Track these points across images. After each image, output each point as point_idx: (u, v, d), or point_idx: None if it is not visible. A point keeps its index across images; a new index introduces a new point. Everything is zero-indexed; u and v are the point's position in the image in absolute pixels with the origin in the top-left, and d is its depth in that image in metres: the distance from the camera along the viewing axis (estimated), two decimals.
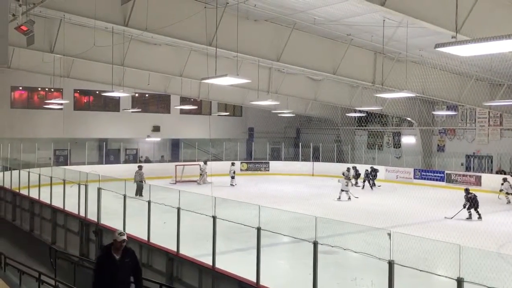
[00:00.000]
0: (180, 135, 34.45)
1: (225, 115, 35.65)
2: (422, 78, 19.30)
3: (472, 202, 16.90)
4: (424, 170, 28.86)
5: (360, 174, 26.96)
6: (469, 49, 7.18)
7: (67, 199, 14.72)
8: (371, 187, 25.82)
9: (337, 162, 32.27)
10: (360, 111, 30.24)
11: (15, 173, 19.78)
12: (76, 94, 31.42)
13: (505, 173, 25.14)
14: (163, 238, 10.61)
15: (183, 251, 9.83)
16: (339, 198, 21.33)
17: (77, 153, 28.89)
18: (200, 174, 27.58)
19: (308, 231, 7.38)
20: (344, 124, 35.56)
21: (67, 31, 15.59)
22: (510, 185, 20.89)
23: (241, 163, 33.07)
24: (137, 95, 30.51)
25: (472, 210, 16.89)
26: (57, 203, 15.15)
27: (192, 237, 11.14)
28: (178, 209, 9.93)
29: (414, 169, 29.03)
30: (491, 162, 28.30)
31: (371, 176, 26.10)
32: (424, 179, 27.98)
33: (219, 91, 27.02)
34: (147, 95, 33.29)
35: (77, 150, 28.85)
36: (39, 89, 30.10)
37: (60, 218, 14.92)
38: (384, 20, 13.23)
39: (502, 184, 21.03)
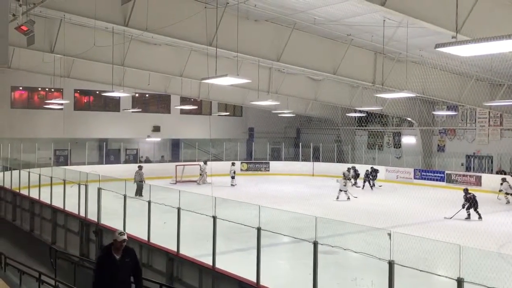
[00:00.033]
0: (180, 135, 34.46)
1: (225, 115, 35.66)
2: (422, 78, 19.30)
3: (471, 202, 16.91)
4: (424, 170, 28.86)
5: (359, 174, 26.96)
6: (469, 49, 7.18)
7: (67, 199, 14.72)
8: (371, 187, 25.82)
9: (337, 162, 32.27)
10: (360, 111, 30.25)
11: (15, 173, 19.79)
12: (76, 94, 31.43)
13: (505, 173, 25.14)
14: (163, 238, 10.60)
15: (183, 251, 9.83)
16: (338, 198, 21.34)
17: (77, 153, 28.90)
18: (200, 174, 27.59)
19: (308, 231, 7.38)
20: (344, 124, 35.56)
21: (67, 31, 15.60)
22: (509, 185, 20.91)
23: (241, 163, 33.08)
24: (137, 95, 30.53)
25: (472, 210, 16.89)
26: (57, 203, 15.15)
27: (192, 237, 11.14)
28: (178, 209, 9.93)
29: (414, 169, 29.04)
30: (491, 162, 28.30)
31: (371, 176, 26.10)
32: (424, 179, 27.98)
33: (219, 91, 27.03)
34: (147, 95, 33.30)
35: (77, 150, 28.86)
36: (39, 89, 30.11)
37: (60, 218, 14.92)
38: (384, 20, 13.23)
39: (501, 184, 21.04)
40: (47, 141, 27.91)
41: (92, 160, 29.18)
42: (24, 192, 17.98)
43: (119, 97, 29.07)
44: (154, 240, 10.70)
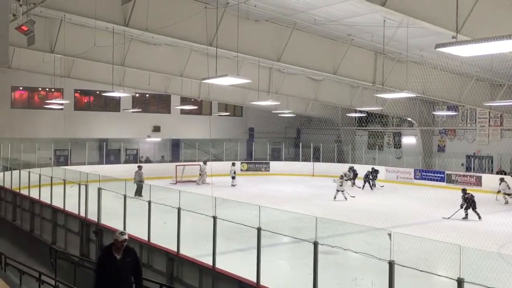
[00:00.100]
0: (181, 135, 34.47)
1: (225, 115, 35.66)
2: (423, 78, 19.30)
3: (469, 203, 16.93)
4: (425, 171, 28.86)
5: (357, 174, 26.98)
6: (469, 49, 7.18)
7: (67, 199, 14.72)
8: (370, 187, 25.81)
9: (337, 162, 32.27)
10: (360, 111, 30.25)
11: (15, 173, 19.79)
12: (77, 94, 31.43)
13: (505, 174, 25.14)
14: (164, 238, 10.60)
15: (184, 251, 9.83)
16: (335, 198, 21.37)
17: (78, 153, 28.91)
18: (200, 174, 27.59)
19: (309, 232, 7.38)
20: (345, 124, 35.56)
21: (68, 31, 15.60)
22: (507, 185, 20.92)
23: (242, 163, 33.08)
24: (137, 95, 30.53)
25: (470, 211, 16.90)
26: (57, 203, 15.15)
27: (192, 237, 11.14)
28: (179, 209, 9.93)
29: (414, 170, 29.03)
30: (492, 162, 28.30)
31: (372, 176, 26.09)
32: (425, 179, 27.98)
33: (220, 91, 27.03)
34: (147, 95, 33.30)
35: (78, 150, 28.87)
36: (40, 89, 30.12)
37: (60, 218, 14.92)
38: (384, 21, 13.23)
39: (500, 184, 21.06)
40: (47, 141, 27.92)
41: (92, 160, 29.19)
42: (24, 192, 17.99)
43: (119, 97, 29.07)
44: (154, 240, 10.70)
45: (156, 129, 33.46)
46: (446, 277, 6.06)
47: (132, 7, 12.02)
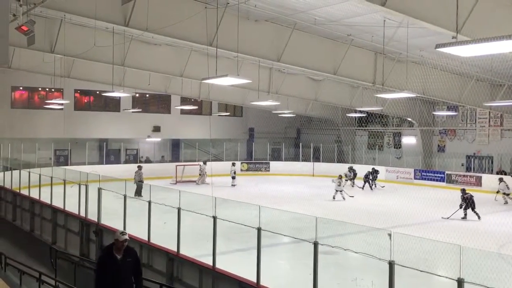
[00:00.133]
0: (181, 135, 34.47)
1: (225, 116, 35.66)
2: (423, 78, 19.30)
3: (468, 203, 16.94)
4: (425, 171, 28.86)
5: (356, 174, 26.99)
6: (469, 49, 7.18)
7: (67, 199, 14.72)
8: (370, 187, 25.81)
9: (337, 162, 32.26)
10: (360, 112, 30.25)
11: (15, 173, 19.79)
12: (77, 94, 31.43)
13: (505, 174, 25.14)
14: (164, 238, 10.60)
15: (184, 251, 9.83)
16: (334, 198, 21.37)
17: (78, 153, 28.92)
18: (200, 174, 27.59)
19: (309, 232, 7.38)
20: (345, 125, 35.57)
21: (68, 31, 15.60)
22: (506, 185, 20.93)
23: (242, 163, 33.09)
24: (137, 95, 30.54)
25: (469, 211, 16.93)
26: (57, 203, 15.15)
27: (192, 237, 11.14)
28: (179, 209, 9.93)
29: (414, 170, 29.04)
30: (492, 162, 28.30)
31: (372, 177, 26.08)
32: (425, 179, 27.98)
33: (220, 91, 27.03)
34: (147, 95, 33.30)
35: (78, 150, 28.88)
36: (40, 89, 30.12)
37: (60, 218, 14.92)
38: (384, 21, 13.23)
39: (499, 184, 21.08)
40: (47, 141, 27.92)
41: (92, 160, 29.19)
42: (24, 192, 17.99)
43: (119, 97, 29.07)
44: (154, 240, 10.70)
45: (156, 129, 33.46)
46: (446, 277, 6.06)
47: (132, 7, 12.02)
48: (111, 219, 12.39)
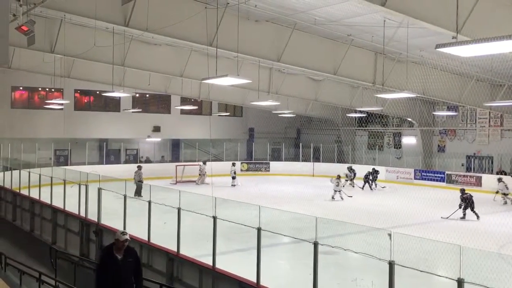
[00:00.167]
0: (181, 136, 34.47)
1: (225, 116, 35.66)
2: (423, 78, 19.30)
3: (467, 203, 16.97)
4: (425, 171, 28.86)
5: (355, 174, 26.99)
6: (469, 49, 7.18)
7: (67, 199, 14.72)
8: (370, 187, 25.81)
9: (337, 162, 32.26)
10: (360, 112, 30.25)
11: (15, 173, 19.79)
12: (77, 94, 31.44)
13: (505, 174, 25.14)
14: (164, 238, 10.60)
15: (184, 251, 9.83)
16: (333, 198, 21.38)
17: (78, 153, 28.92)
18: (199, 174, 27.59)
19: (309, 232, 7.38)
20: (345, 125, 35.56)
21: (68, 31, 15.60)
22: (505, 185, 20.93)
23: (242, 163, 33.08)
24: (137, 95, 30.54)
25: (468, 211, 16.95)
26: (57, 203, 15.15)
27: (192, 237, 11.14)
28: (179, 209, 9.93)
29: (414, 170, 29.03)
30: (492, 162, 28.30)
31: (372, 177, 26.07)
32: (425, 179, 27.97)
33: (220, 92, 27.03)
34: (147, 95, 33.30)
35: (78, 150, 28.88)
36: (40, 89, 30.12)
37: (60, 218, 14.92)
38: (384, 21, 13.23)
39: (498, 184, 21.08)
40: (47, 141, 27.92)
41: (92, 160, 29.19)
42: (24, 192, 17.99)
43: (119, 97, 29.07)
44: (154, 240, 10.70)
45: (156, 129, 33.46)
46: (446, 277, 6.06)
47: (132, 7, 12.02)
48: (111, 219, 12.39)
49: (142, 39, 17.55)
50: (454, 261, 5.74)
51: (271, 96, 23.10)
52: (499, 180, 21.29)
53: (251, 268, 8.07)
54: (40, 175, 17.35)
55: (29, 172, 18.21)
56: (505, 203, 20.65)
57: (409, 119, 31.30)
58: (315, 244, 7.20)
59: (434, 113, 29.86)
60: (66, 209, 14.56)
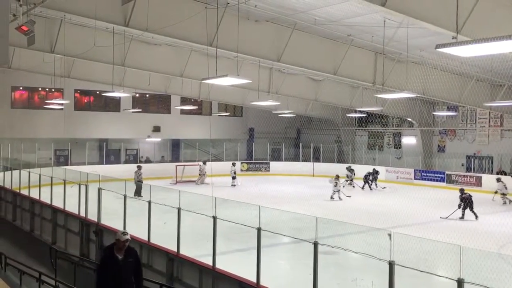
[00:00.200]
0: (181, 136, 34.47)
1: (225, 116, 35.67)
2: (423, 78, 19.30)
3: (466, 202, 16.99)
4: (425, 171, 28.86)
5: (355, 173, 26.98)
6: (469, 49, 7.18)
7: (67, 199, 14.72)
8: (370, 188, 25.80)
9: (337, 162, 32.26)
10: (360, 112, 30.24)
11: (15, 173, 19.79)
12: (77, 94, 31.44)
13: (505, 174, 25.14)
14: (164, 239, 10.60)
15: (184, 251, 9.83)
16: (332, 198, 21.42)
17: (78, 153, 28.92)
18: (199, 175, 27.60)
19: (309, 232, 7.38)
20: (345, 125, 35.56)
21: (68, 31, 15.60)
22: (504, 185, 20.93)
23: (242, 163, 33.08)
24: (137, 95, 30.54)
25: (467, 210, 16.97)
26: (57, 203, 15.15)
27: (192, 237, 11.14)
28: (179, 209, 9.93)
29: (414, 170, 29.03)
30: (492, 162, 28.30)
31: (372, 177, 26.05)
32: (425, 179, 27.97)
33: (220, 92, 27.03)
34: (147, 95, 33.30)
35: (78, 150, 28.88)
36: (40, 89, 30.12)
37: (60, 218, 14.92)
38: (384, 21, 13.23)
39: (497, 184, 21.09)
40: (47, 141, 27.92)
41: (92, 160, 29.19)
42: (24, 192, 17.99)
43: (119, 97, 29.07)
44: (154, 240, 10.70)
45: (156, 129, 33.46)
46: (446, 277, 6.06)
47: (132, 7, 12.02)
48: (111, 219, 12.39)
49: (142, 39, 17.55)
50: (454, 261, 5.74)
51: (271, 96, 23.10)
52: (498, 180, 21.32)
53: (251, 268, 8.07)
54: (40, 175, 17.35)
55: (29, 172, 18.21)
56: (505, 203, 20.65)
57: (409, 119, 31.30)
58: (315, 244, 7.20)
59: (434, 113, 29.86)
60: (66, 209, 14.56)
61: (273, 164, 34.01)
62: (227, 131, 35.84)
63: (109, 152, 31.64)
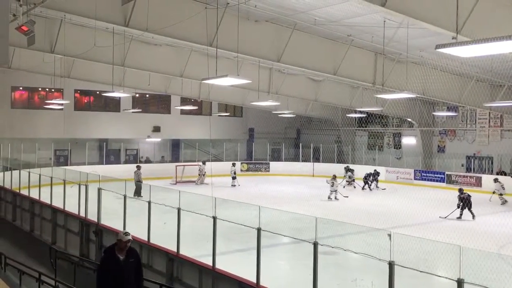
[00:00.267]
0: (181, 136, 34.47)
1: (225, 116, 35.67)
2: (423, 79, 19.30)
3: (465, 202, 17.01)
4: (425, 171, 28.86)
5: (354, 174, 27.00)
6: (469, 50, 7.18)
7: (67, 199, 14.72)
8: (369, 188, 25.79)
9: (337, 163, 32.26)
10: (360, 112, 30.24)
11: (15, 173, 19.79)
12: (77, 94, 31.44)
13: (505, 174, 25.14)
14: (163, 239, 10.60)
15: (183, 251, 9.83)
16: (329, 198, 21.44)
17: (78, 153, 28.92)
18: (199, 175, 27.60)
19: (308, 232, 7.38)
20: (345, 125, 35.56)
21: (68, 31, 15.60)
22: (501, 185, 20.94)
23: (242, 163, 33.07)
24: (137, 95, 30.53)
25: (465, 210, 16.99)
26: (57, 203, 15.15)
27: (192, 237, 11.14)
28: (179, 209, 9.93)
29: (414, 170, 29.03)
30: (492, 163, 28.30)
31: (372, 178, 26.04)
32: (425, 180, 27.97)
33: (220, 92, 27.03)
34: (147, 96, 33.30)
35: (78, 150, 28.88)
36: (40, 89, 30.12)
37: (60, 218, 14.92)
38: (384, 21, 13.23)
39: (494, 184, 21.10)
40: (47, 141, 27.92)
41: (92, 160, 29.19)
42: (24, 192, 17.98)
43: (119, 97, 29.08)
44: (154, 240, 10.70)
45: (156, 129, 33.47)
46: (446, 277, 6.06)
47: (132, 7, 12.02)
48: (111, 219, 12.39)
49: (142, 39, 17.54)
50: (454, 261, 5.74)
51: (271, 96, 23.09)
52: (495, 180, 21.34)
53: (251, 268, 8.07)
54: (40, 175, 17.35)
55: (29, 172, 18.20)
56: (504, 203, 20.65)
57: (409, 120, 31.30)
58: (315, 245, 7.20)
59: (434, 113, 29.86)
60: (66, 209, 14.56)
61: (273, 164, 34.02)
62: (227, 131, 35.84)
63: (109, 152, 31.64)
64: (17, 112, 29.06)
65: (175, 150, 35.06)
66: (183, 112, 34.01)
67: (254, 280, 7.99)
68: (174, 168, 27.89)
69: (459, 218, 16.94)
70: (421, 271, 6.30)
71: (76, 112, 30.84)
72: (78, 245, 13.38)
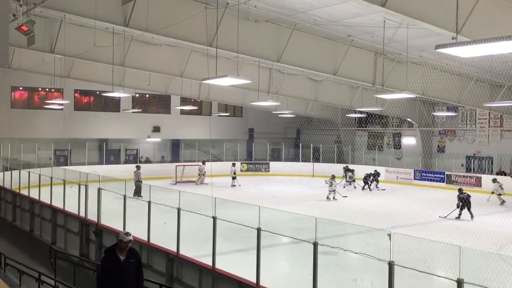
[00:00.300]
0: (181, 136, 34.47)
1: (225, 116, 35.67)
2: (423, 79, 19.31)
3: (464, 202, 17.03)
4: (424, 171, 28.86)
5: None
6: (469, 50, 7.18)
7: (67, 199, 14.72)
8: (369, 188, 25.79)
9: (337, 163, 32.26)
10: (360, 112, 30.26)
11: (15, 173, 19.79)
12: (77, 94, 31.44)
13: (505, 174, 25.15)
14: (163, 239, 10.60)
15: (183, 251, 9.83)
16: (328, 198, 21.46)
17: (77, 153, 28.92)
18: (199, 175, 27.60)
19: (308, 232, 7.38)
20: (344, 125, 35.57)
21: (68, 31, 15.60)
22: (500, 185, 20.95)
23: (241, 163, 33.07)
24: (137, 95, 30.54)
25: (464, 210, 17.00)
26: (57, 203, 15.15)
27: (192, 237, 11.14)
28: (178, 209, 9.93)
29: (414, 170, 29.04)
30: (492, 163, 28.31)
31: (372, 178, 26.04)
32: (424, 180, 27.99)
33: (220, 92, 27.03)
34: (147, 96, 33.31)
35: (77, 150, 28.88)
36: (40, 89, 30.12)
37: (60, 219, 14.92)
38: (384, 21, 13.24)
39: (493, 184, 21.12)
40: (47, 141, 27.92)
41: (92, 160, 29.18)
42: (24, 192, 17.98)
43: (119, 97, 29.09)
44: (154, 240, 10.70)
45: (156, 129, 33.47)
46: (446, 277, 6.06)
47: (132, 8, 12.02)
48: (111, 219, 12.39)
49: (142, 39, 17.55)
50: (454, 261, 5.74)
51: (271, 96, 23.09)
52: (494, 180, 21.36)
53: (251, 268, 8.07)
54: (40, 175, 17.35)
55: (29, 172, 18.20)
56: (502, 203, 20.65)
57: (409, 120, 31.31)
58: (315, 245, 7.20)
59: (434, 113, 29.87)
60: (66, 209, 14.56)
61: (273, 165, 34.02)
62: (227, 131, 35.84)
63: (109, 152, 31.64)
64: (17, 112, 29.06)
65: (175, 150, 35.06)
66: (183, 112, 34.02)
67: (254, 280, 7.99)
68: (174, 168, 27.89)
69: (458, 218, 16.96)
70: (421, 271, 6.30)
71: (76, 112, 30.84)
72: (78, 245, 13.38)
